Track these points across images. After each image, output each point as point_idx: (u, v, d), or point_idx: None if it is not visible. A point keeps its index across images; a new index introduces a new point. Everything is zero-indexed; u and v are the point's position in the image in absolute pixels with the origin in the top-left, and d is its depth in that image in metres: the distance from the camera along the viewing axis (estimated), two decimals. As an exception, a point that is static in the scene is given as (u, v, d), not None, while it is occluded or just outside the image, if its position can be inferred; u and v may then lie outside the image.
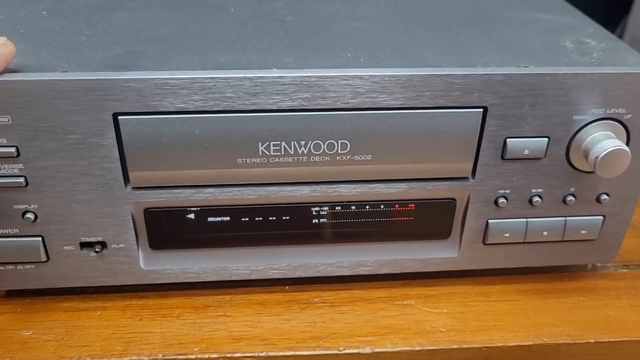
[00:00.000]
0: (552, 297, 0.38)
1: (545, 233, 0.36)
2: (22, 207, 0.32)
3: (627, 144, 0.33)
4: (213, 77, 0.30)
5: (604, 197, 0.35)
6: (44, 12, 0.38)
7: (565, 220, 0.36)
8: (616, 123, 0.33)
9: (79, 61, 0.31)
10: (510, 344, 0.34)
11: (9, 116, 0.30)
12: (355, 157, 0.32)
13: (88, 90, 0.29)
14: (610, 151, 0.31)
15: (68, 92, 0.29)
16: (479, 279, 0.38)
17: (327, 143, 0.32)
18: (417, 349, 0.34)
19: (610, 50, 0.35)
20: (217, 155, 0.32)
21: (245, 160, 0.32)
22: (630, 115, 0.32)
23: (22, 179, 0.31)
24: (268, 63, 0.31)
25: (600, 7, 0.88)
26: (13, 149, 0.30)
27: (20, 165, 0.31)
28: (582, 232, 0.36)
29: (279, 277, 0.37)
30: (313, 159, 0.32)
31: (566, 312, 0.37)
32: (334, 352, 0.33)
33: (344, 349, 0.34)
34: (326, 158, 0.32)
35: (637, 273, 0.40)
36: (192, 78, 0.29)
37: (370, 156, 0.32)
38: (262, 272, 0.36)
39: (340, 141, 0.32)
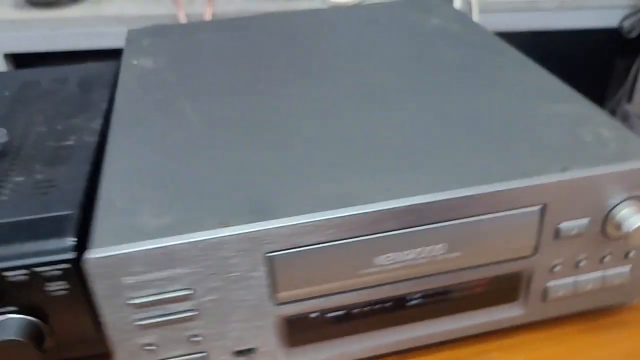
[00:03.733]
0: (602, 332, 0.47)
1: (589, 286, 0.46)
2: (192, 332, 0.40)
3: (649, 215, 0.43)
4: (341, 217, 0.38)
5: (632, 252, 0.45)
6: (159, 158, 0.46)
7: (604, 275, 0.46)
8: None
9: (223, 211, 0.39)
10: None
11: (188, 267, 0.37)
12: (449, 254, 0.41)
13: (246, 240, 0.37)
14: (638, 226, 0.41)
15: (229, 243, 0.37)
16: (540, 324, 0.48)
17: (429, 248, 0.41)
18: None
19: (622, 140, 0.45)
20: (344, 271, 0.40)
21: (364, 271, 0.41)
22: (648, 194, 0.43)
23: (195, 312, 0.39)
24: (377, 191, 0.40)
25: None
26: (191, 291, 0.38)
27: (194, 302, 0.39)
28: (616, 281, 0.46)
29: (386, 351, 0.45)
30: (417, 261, 0.41)
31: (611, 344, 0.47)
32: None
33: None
34: (427, 259, 0.41)
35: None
36: (328, 219, 0.38)
37: (460, 252, 0.41)
38: (374, 349, 0.45)
39: (438, 245, 0.41)
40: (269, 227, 0.37)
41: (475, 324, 0.46)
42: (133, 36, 0.68)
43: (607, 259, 0.45)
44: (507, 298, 0.46)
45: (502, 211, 0.41)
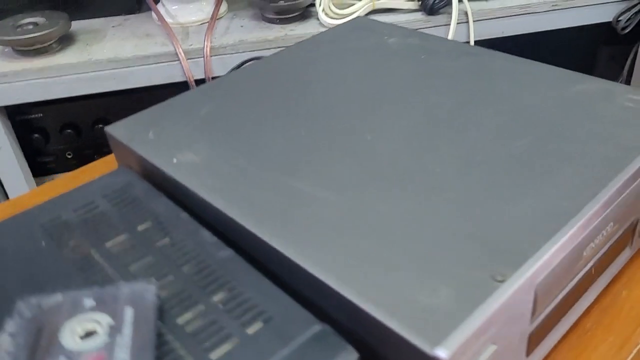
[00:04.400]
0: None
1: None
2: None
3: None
4: (577, 227, 0.44)
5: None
6: (343, 238, 0.45)
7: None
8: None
9: (483, 262, 0.41)
10: (686, 283, 0.57)
11: (495, 327, 0.39)
12: (613, 228, 0.50)
13: (529, 279, 0.41)
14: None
15: (518, 290, 0.40)
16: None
17: (605, 230, 0.49)
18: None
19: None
20: (569, 272, 0.46)
21: (577, 265, 0.47)
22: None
23: None
24: (571, 196, 0.46)
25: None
26: (496, 347, 0.40)
27: (494, 355, 0.41)
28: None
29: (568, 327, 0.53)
30: (599, 243, 0.49)
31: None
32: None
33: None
34: (604, 238, 0.49)
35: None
36: (572, 233, 0.43)
37: (618, 224, 0.50)
38: (563, 330, 0.52)
39: (609, 224, 0.49)
40: (541, 261, 0.41)
41: (611, 274, 0.56)
42: (124, 133, 0.60)
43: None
44: (625, 245, 0.56)
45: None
